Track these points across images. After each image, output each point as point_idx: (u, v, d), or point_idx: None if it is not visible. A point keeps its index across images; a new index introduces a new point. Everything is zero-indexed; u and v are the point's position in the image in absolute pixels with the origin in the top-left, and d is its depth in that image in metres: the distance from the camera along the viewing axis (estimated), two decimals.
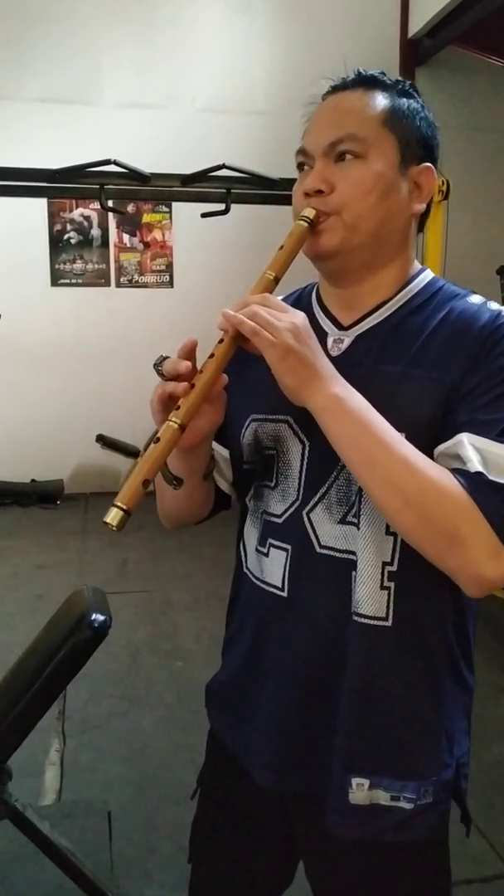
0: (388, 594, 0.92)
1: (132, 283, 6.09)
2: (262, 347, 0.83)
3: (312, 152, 0.96)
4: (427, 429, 0.88)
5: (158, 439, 0.81)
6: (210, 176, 3.82)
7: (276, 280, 0.92)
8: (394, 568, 0.92)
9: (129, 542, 4.78)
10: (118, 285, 6.07)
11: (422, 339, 0.93)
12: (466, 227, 5.58)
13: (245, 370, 0.91)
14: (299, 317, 0.86)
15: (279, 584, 0.99)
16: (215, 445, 1.05)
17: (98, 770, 2.49)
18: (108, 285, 6.05)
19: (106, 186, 3.87)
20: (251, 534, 1.05)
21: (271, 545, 1.00)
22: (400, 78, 1.00)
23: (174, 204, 5.82)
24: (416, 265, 1.02)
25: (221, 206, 3.86)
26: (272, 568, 1.00)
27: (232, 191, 3.83)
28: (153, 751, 2.57)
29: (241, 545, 1.08)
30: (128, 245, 6.08)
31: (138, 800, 2.30)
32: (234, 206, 3.83)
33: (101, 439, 5.94)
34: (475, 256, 5.88)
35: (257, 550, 1.03)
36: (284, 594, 0.98)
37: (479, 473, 0.83)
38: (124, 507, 0.77)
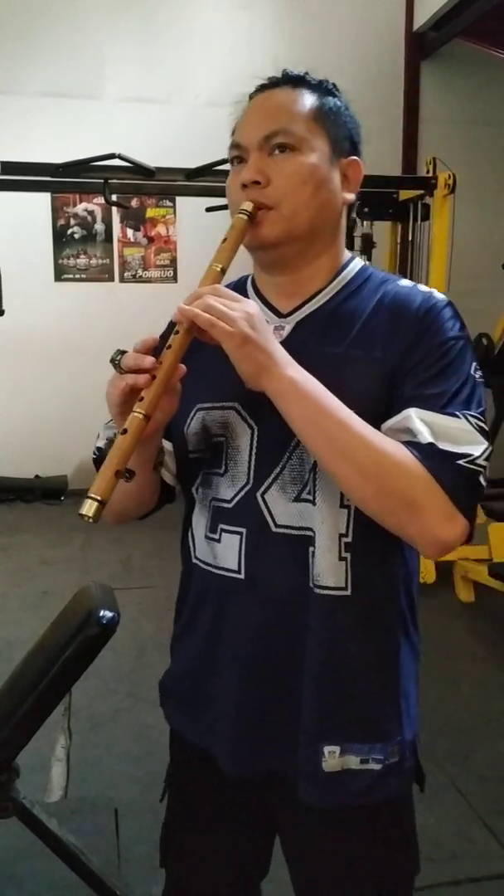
0: (346, 565, 0.97)
1: (136, 278, 6.07)
2: (220, 338, 0.86)
3: (247, 146, 0.99)
4: (373, 406, 0.93)
5: (126, 430, 0.84)
6: (214, 170, 3.79)
7: (223, 271, 0.95)
8: (349, 539, 0.97)
9: (133, 538, 4.77)
10: (122, 280, 6.05)
11: (360, 322, 0.99)
12: (472, 220, 5.56)
13: (188, 362, 0.92)
14: (252, 305, 0.89)
15: (235, 567, 1.01)
16: None
17: (104, 766, 2.49)
18: (112, 280, 6.03)
19: (110, 181, 3.85)
20: (199, 522, 1.06)
21: (223, 530, 1.02)
22: (324, 79, 1.05)
23: (178, 199, 5.79)
24: (347, 253, 1.08)
25: (225, 201, 3.84)
26: (225, 552, 1.02)
27: None
28: (159, 747, 2.52)
29: (189, 536, 1.09)
30: (132, 240, 6.06)
31: (145, 796, 2.29)
32: None
33: None
34: (481, 250, 5.85)
35: (207, 537, 1.05)
36: (241, 576, 1.00)
37: (430, 444, 0.89)
38: (99, 497, 0.80)
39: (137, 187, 4.08)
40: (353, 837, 1.05)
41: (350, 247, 4.39)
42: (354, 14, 5.99)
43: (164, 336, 0.93)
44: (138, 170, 3.70)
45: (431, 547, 0.91)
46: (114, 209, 5.60)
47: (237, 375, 0.93)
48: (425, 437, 0.89)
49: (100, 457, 1.08)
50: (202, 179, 3.89)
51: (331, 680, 0.99)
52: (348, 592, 0.97)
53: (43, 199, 5.72)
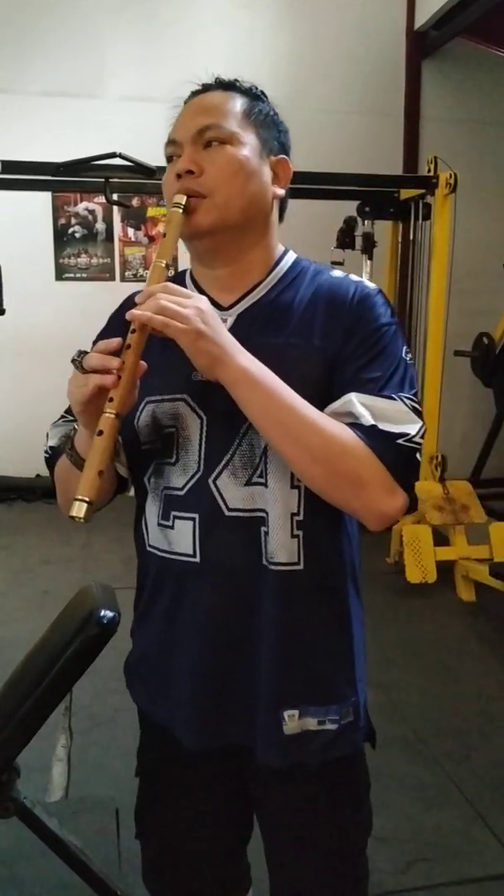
0: (298, 541, 1.04)
1: (137, 278, 6.06)
2: (174, 335, 0.91)
3: (181, 140, 1.05)
4: (315, 391, 0.99)
5: (101, 432, 0.89)
6: None
7: (168, 266, 1.01)
8: (301, 518, 1.03)
9: (133, 538, 4.77)
10: (123, 279, 6.05)
11: (299, 312, 1.05)
12: (474, 219, 5.56)
13: None
14: (203, 301, 0.95)
15: (190, 552, 1.06)
16: None
17: (106, 766, 2.49)
18: (113, 279, 6.03)
19: (111, 180, 3.84)
20: (152, 511, 1.11)
21: (175, 517, 1.07)
22: (253, 85, 1.11)
23: None
24: (280, 247, 1.13)
25: None
26: (179, 538, 1.06)
27: None
28: None
29: (143, 525, 1.14)
30: (132, 239, 6.06)
31: None
32: None
33: None
34: (483, 249, 5.85)
35: (160, 525, 1.09)
36: (197, 559, 1.05)
37: (373, 426, 0.97)
38: (87, 499, 0.85)
39: (138, 186, 4.08)
40: (313, 790, 1.13)
41: (351, 246, 4.43)
42: (355, 13, 5.98)
43: (104, 333, 1.01)
44: (139, 169, 3.70)
45: (375, 520, 0.99)
46: (115, 208, 5.59)
47: (184, 368, 1.00)
48: (367, 419, 0.97)
49: (52, 456, 1.13)
50: None
51: (287, 649, 1.05)
52: (301, 567, 1.04)
53: (44, 199, 5.72)
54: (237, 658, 1.07)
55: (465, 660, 3.33)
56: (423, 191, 4.41)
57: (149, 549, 1.13)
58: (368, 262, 4.75)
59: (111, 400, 0.90)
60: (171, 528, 1.07)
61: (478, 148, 6.04)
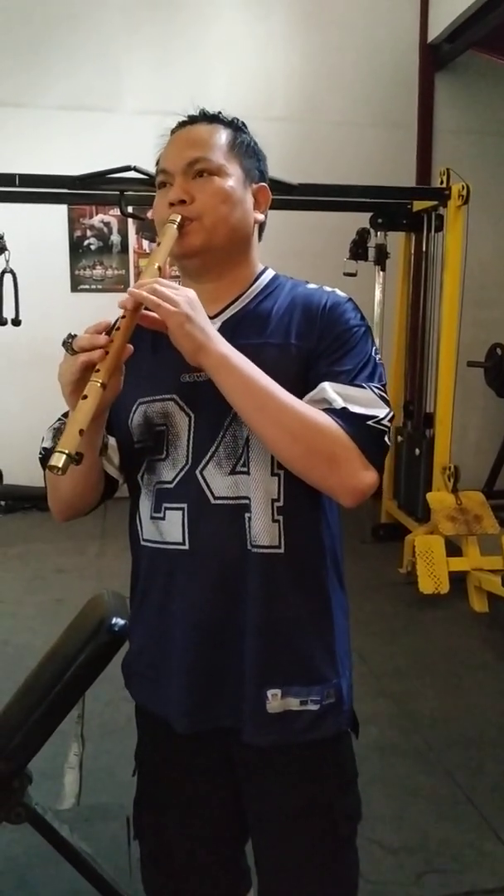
0: (279, 526, 1.11)
1: None
2: (164, 316, 1.00)
3: (173, 171, 1.15)
4: (290, 385, 1.06)
5: (86, 396, 0.95)
6: None
7: (160, 268, 1.09)
8: (281, 503, 1.11)
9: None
10: None
11: (277, 318, 1.15)
12: (487, 231, 5.57)
13: (128, 362, 1.03)
14: (191, 292, 1.04)
15: (180, 540, 1.12)
16: None
17: (117, 774, 2.50)
18: None
19: (126, 192, 3.89)
20: (145, 506, 1.17)
21: (166, 508, 1.14)
22: (234, 117, 1.22)
23: None
24: (260, 265, 1.24)
25: None
26: (170, 528, 1.13)
27: None
28: None
29: (137, 521, 1.20)
30: (147, 251, 6.11)
31: None
32: None
33: None
34: (496, 260, 5.86)
35: (152, 518, 1.16)
36: (186, 546, 1.12)
37: (344, 408, 1.05)
38: (66, 450, 0.89)
39: (153, 199, 4.10)
40: (297, 771, 1.17)
41: (364, 257, 4.45)
42: (369, 26, 6.03)
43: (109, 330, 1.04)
44: (153, 182, 3.73)
45: (349, 495, 1.06)
46: (130, 220, 5.64)
47: (173, 371, 1.11)
48: (339, 403, 1.05)
49: (45, 456, 1.20)
50: None
51: (271, 631, 1.11)
52: (282, 551, 1.11)
53: (60, 211, 5.78)
54: (225, 640, 1.12)
55: (478, 670, 3.32)
56: (435, 202, 4.42)
57: (142, 543, 1.19)
58: (381, 273, 4.77)
59: (97, 371, 0.97)
60: (163, 518, 1.14)
61: (490, 159, 6.06)
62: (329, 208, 4.35)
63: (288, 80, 5.97)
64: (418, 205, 4.62)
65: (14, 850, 2.01)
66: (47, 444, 1.23)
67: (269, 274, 1.24)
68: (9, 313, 4.28)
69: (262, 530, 1.10)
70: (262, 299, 1.18)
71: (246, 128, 1.23)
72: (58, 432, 1.13)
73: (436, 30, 5.96)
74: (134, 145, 5.29)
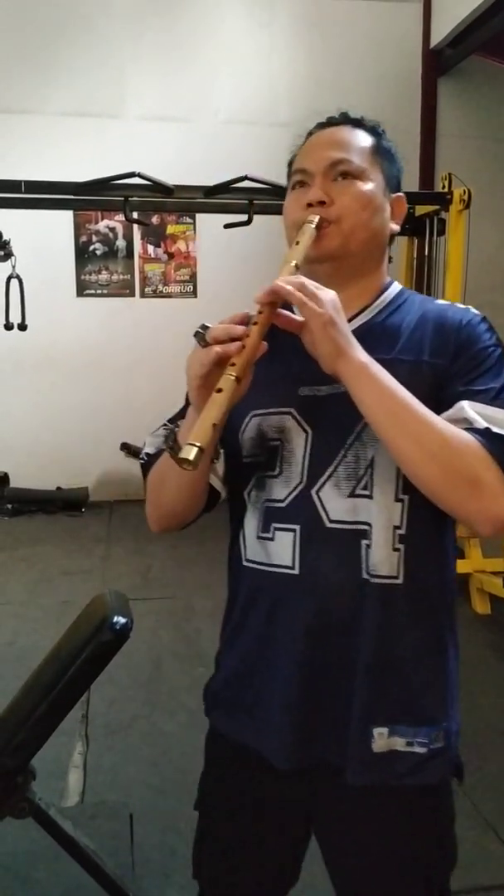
0: (399, 555, 1.03)
1: (156, 294, 6.16)
2: (308, 315, 0.93)
3: (313, 171, 1.10)
4: (424, 404, 0.98)
5: (220, 389, 0.88)
6: (233, 187, 3.86)
7: (297, 267, 1.01)
8: (403, 531, 1.03)
9: (152, 550, 4.82)
10: (143, 296, 6.14)
11: (407, 333, 1.08)
12: (488, 235, 5.58)
13: None
14: (334, 293, 0.96)
15: (289, 563, 1.05)
16: None
17: (120, 773, 2.53)
18: (133, 296, 6.13)
19: (130, 198, 3.92)
20: (251, 524, 1.10)
21: (276, 529, 1.06)
22: (377, 122, 1.17)
23: (198, 215, 5.88)
24: (387, 277, 1.18)
25: (244, 217, 3.90)
26: (279, 550, 1.06)
27: (254, 202, 3.86)
28: (175, 755, 2.60)
29: (241, 539, 1.12)
30: (152, 256, 6.15)
31: (160, 803, 2.33)
32: (256, 217, 3.87)
33: (126, 448, 6.00)
34: (497, 265, 5.87)
35: (259, 537, 1.08)
36: (296, 571, 1.04)
37: (487, 428, 0.96)
38: (198, 444, 0.83)
39: (157, 205, 4.15)
40: (396, 817, 1.09)
41: None
42: (372, 31, 6.06)
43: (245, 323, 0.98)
44: (157, 188, 3.77)
45: (489, 523, 0.95)
46: (135, 226, 5.68)
47: (291, 383, 1.06)
48: (481, 423, 0.97)
49: (147, 463, 1.14)
50: (221, 196, 3.95)
51: (383, 667, 1.03)
52: (400, 582, 1.03)
53: (65, 217, 5.83)
54: (334, 675, 1.05)
55: (479, 671, 3.33)
56: (437, 207, 4.44)
57: (245, 563, 1.11)
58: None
59: (233, 364, 0.90)
60: (272, 539, 1.07)
61: (492, 164, 6.08)
62: None
63: (291, 85, 6.00)
64: (420, 209, 4.64)
65: (18, 847, 2.04)
66: (149, 449, 1.15)
67: (396, 287, 1.17)
68: (15, 318, 4.31)
69: (382, 559, 1.02)
70: (390, 312, 1.12)
71: (386, 134, 1.17)
72: (166, 439, 1.04)
73: (438, 35, 5.99)
74: (138, 151, 5.40)
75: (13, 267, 4.21)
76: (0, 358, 5.75)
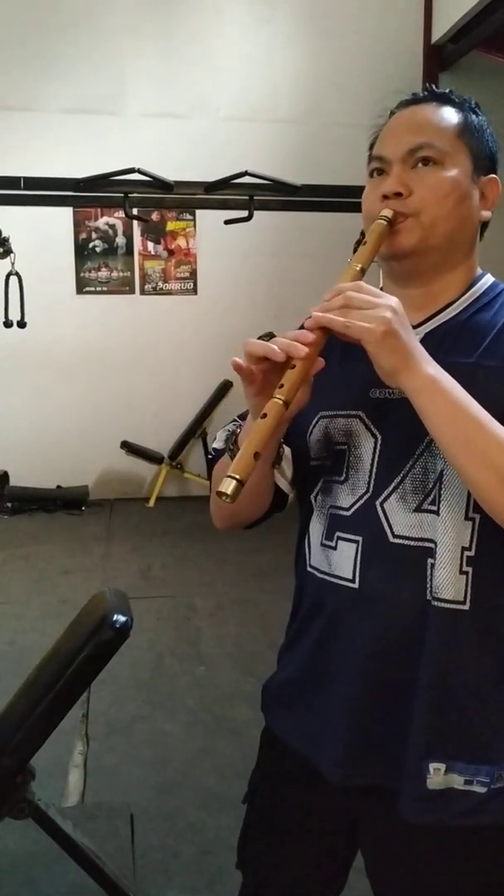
0: (467, 578, 0.94)
1: (156, 291, 6.13)
2: (358, 335, 0.85)
3: (390, 158, 1.00)
4: None
5: (265, 415, 0.84)
6: (233, 183, 3.84)
7: (363, 271, 0.95)
8: (472, 553, 0.94)
9: (152, 548, 4.81)
10: (143, 293, 6.12)
11: (493, 334, 0.97)
12: (490, 231, 5.56)
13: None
14: (394, 300, 0.88)
15: (349, 576, 0.99)
16: None
17: (121, 773, 2.51)
18: (133, 293, 6.11)
19: (130, 195, 3.91)
20: (316, 530, 1.05)
21: (339, 538, 1.01)
22: (468, 96, 1.05)
23: (198, 211, 5.86)
24: (479, 269, 1.07)
25: (244, 213, 3.89)
26: (340, 561, 1.00)
27: (255, 198, 3.85)
28: (176, 754, 2.58)
29: (306, 543, 1.08)
30: (152, 253, 6.13)
31: (160, 803, 2.32)
32: (256, 213, 3.85)
33: (126, 446, 5.98)
34: (500, 262, 5.84)
35: (323, 545, 1.03)
36: (356, 585, 0.99)
37: None
38: (238, 476, 0.79)
39: (157, 201, 4.14)
40: (452, 860, 1.02)
41: None
42: (373, 27, 6.04)
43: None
44: (157, 184, 3.76)
45: None
46: (135, 223, 5.67)
47: (362, 384, 0.97)
48: None
49: (214, 458, 1.09)
50: (221, 192, 3.93)
51: (443, 696, 0.96)
52: (466, 607, 0.94)
53: (65, 214, 5.81)
54: (393, 696, 0.99)
55: None
56: None
57: (309, 569, 1.07)
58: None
59: (281, 386, 0.85)
60: (334, 548, 1.02)
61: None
62: (333, 209, 4.36)
63: (292, 82, 5.98)
64: None
65: (18, 847, 2.02)
66: (217, 444, 1.09)
67: (488, 280, 1.06)
68: (14, 315, 4.30)
69: (447, 581, 0.94)
70: (476, 309, 1.01)
71: (479, 108, 1.05)
72: (231, 435, 1.00)
73: (440, 30, 5.96)
74: (138, 148, 5.38)
75: (12, 264, 4.19)
76: None
